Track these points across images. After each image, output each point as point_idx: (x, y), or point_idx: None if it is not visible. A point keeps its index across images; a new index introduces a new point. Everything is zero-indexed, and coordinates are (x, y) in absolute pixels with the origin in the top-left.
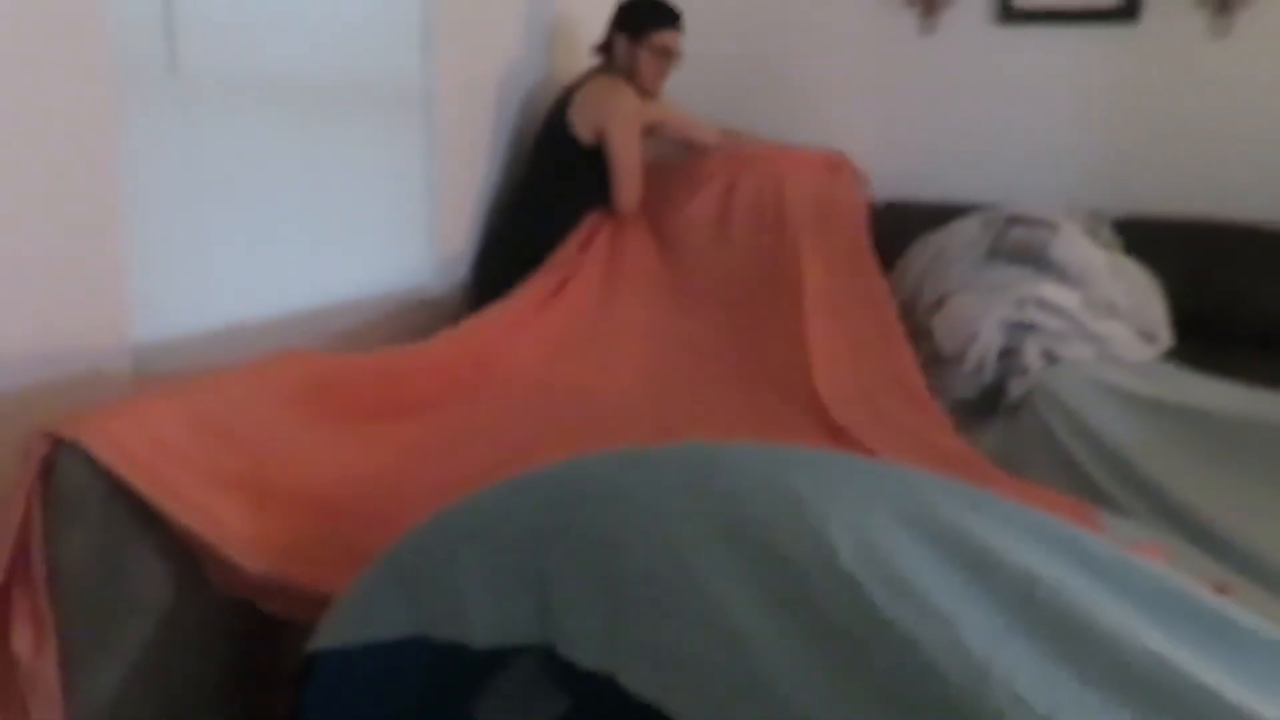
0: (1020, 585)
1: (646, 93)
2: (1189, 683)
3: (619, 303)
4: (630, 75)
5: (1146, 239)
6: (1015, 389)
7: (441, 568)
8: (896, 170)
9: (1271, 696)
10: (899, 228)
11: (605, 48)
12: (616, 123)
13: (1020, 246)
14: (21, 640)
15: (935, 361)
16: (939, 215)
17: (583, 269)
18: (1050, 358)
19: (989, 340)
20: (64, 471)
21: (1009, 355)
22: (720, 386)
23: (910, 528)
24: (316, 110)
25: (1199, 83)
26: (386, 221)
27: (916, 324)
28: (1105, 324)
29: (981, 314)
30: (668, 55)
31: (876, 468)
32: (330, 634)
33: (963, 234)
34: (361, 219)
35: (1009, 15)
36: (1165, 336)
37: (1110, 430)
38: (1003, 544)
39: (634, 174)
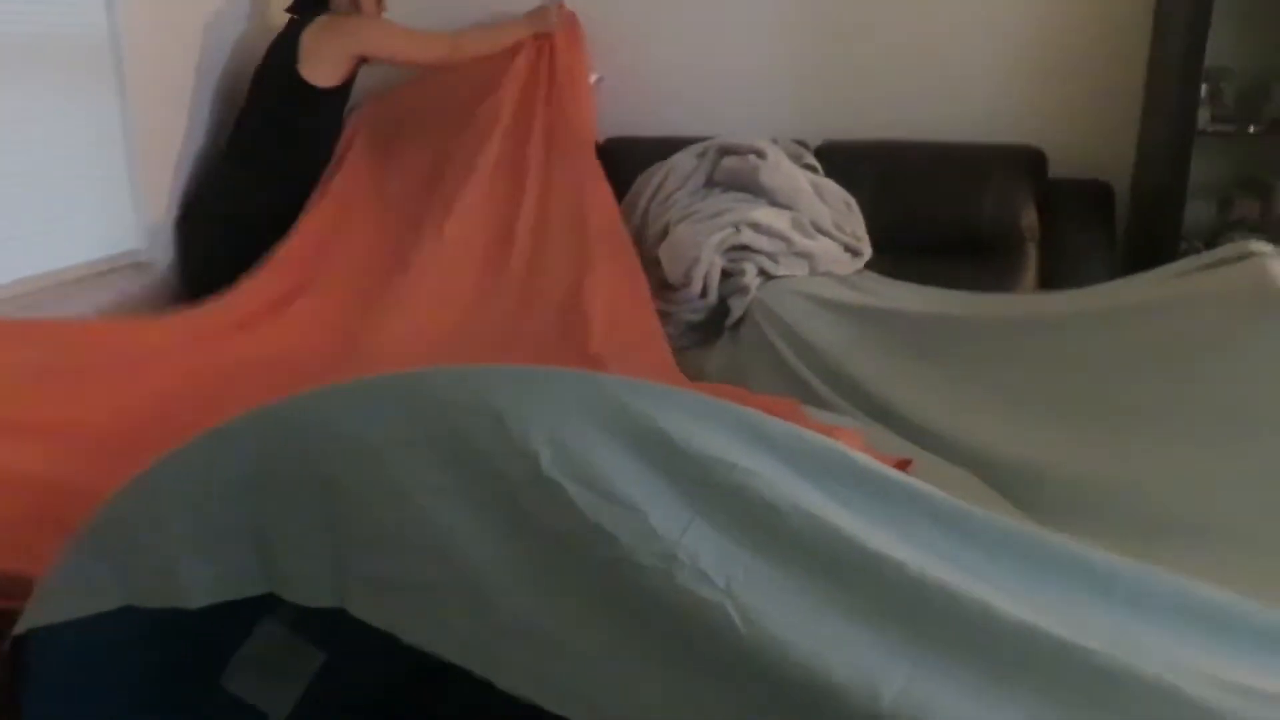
0: (702, 469)
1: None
2: (857, 546)
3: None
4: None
5: (843, 162)
6: (737, 307)
7: (146, 532)
8: (619, 108)
9: (928, 553)
10: (623, 163)
11: None
12: (370, 31)
13: (734, 174)
14: None
15: (664, 288)
16: (660, 149)
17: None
18: (766, 276)
19: (709, 263)
20: None
21: (730, 277)
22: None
23: (604, 427)
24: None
25: (884, 21)
26: (86, 186)
27: (645, 253)
28: (813, 241)
29: (701, 240)
30: None
31: (576, 376)
32: (35, 615)
33: (681, 166)
34: (57, 185)
35: None
36: (866, 249)
37: (820, 337)
38: (688, 433)
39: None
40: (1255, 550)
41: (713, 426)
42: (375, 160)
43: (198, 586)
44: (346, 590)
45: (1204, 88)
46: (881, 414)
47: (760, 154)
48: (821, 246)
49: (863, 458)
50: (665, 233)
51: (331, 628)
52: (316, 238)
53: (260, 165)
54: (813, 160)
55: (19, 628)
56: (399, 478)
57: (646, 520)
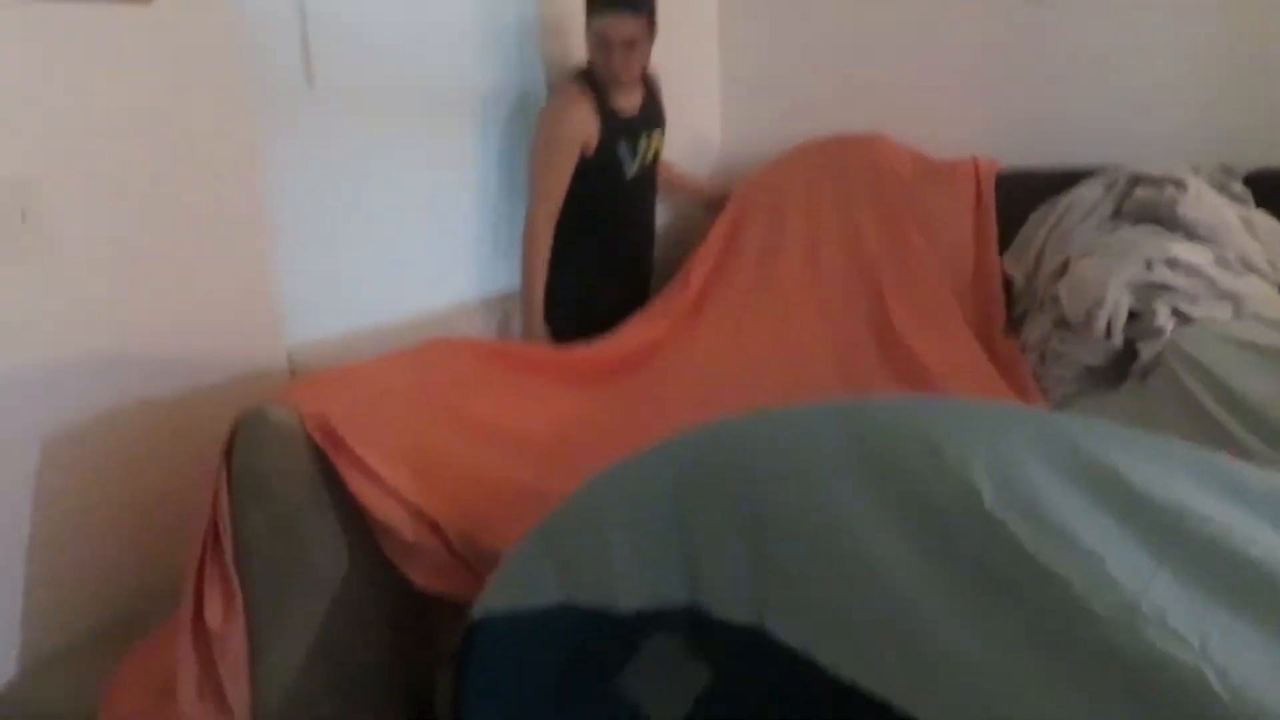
0: (1168, 518)
1: (611, 82)
2: None
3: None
4: (592, 71)
5: (1278, 192)
6: (1147, 351)
7: (588, 534)
8: (1014, 139)
9: None
10: (1017, 197)
11: None
12: (538, 140)
13: (1146, 206)
14: (213, 611)
15: (1060, 327)
16: (1059, 181)
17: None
18: (1183, 318)
19: (1116, 303)
20: (245, 452)
21: (1139, 318)
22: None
23: (1053, 467)
24: (440, 119)
25: None
26: (502, 225)
27: (1041, 292)
28: (1241, 280)
29: (1107, 277)
30: (609, 44)
31: (1015, 411)
32: (486, 602)
33: (1084, 198)
34: (477, 223)
35: None
36: None
37: (1248, 385)
38: (1148, 478)
39: (541, 196)
40: None
41: (1177, 472)
42: (757, 222)
43: (630, 589)
44: (766, 608)
45: None
46: None
47: (1179, 184)
48: (1250, 286)
49: None
50: (1064, 269)
51: (718, 649)
52: (702, 282)
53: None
54: (1241, 189)
55: (475, 611)
56: (828, 502)
57: (1103, 567)
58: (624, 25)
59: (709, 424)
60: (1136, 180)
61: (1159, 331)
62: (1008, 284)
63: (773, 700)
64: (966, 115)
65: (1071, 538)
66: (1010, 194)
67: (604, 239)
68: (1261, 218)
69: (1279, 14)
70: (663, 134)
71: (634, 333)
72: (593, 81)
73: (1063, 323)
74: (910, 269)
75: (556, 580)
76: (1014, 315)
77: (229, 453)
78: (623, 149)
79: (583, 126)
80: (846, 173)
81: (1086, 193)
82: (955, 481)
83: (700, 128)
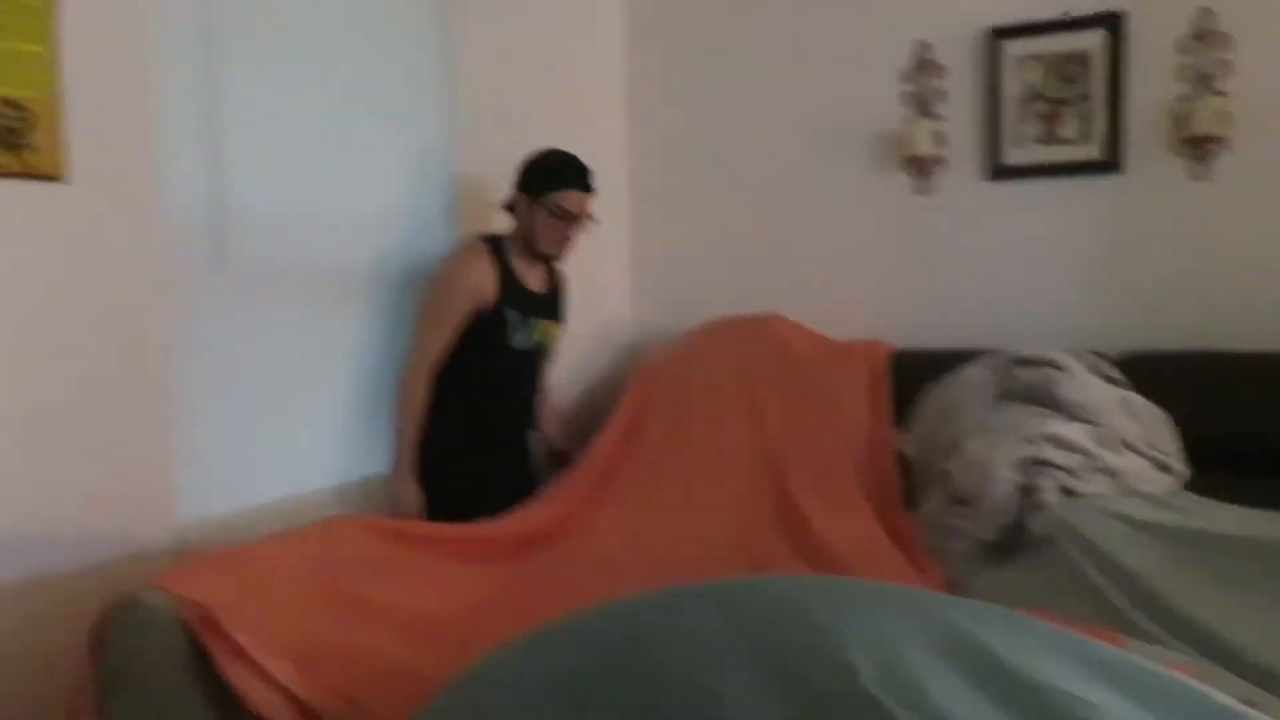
0: (1044, 701)
1: (542, 256)
2: None
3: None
4: (528, 238)
5: (1148, 375)
6: (1035, 526)
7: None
8: (905, 322)
9: None
10: (909, 376)
11: (510, 206)
12: (429, 287)
13: (1029, 387)
14: None
15: (956, 503)
16: (947, 361)
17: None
18: (1068, 494)
19: (1005, 479)
20: (116, 640)
21: (1027, 493)
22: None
23: (933, 647)
24: (351, 297)
25: (1183, 226)
26: None
27: (934, 469)
28: (1120, 458)
29: (995, 454)
30: (568, 217)
31: (898, 590)
32: None
33: (972, 377)
34: (386, 398)
35: (999, 173)
36: (1180, 467)
37: (1131, 559)
38: (1026, 662)
39: (423, 342)
40: None
41: (1052, 654)
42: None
43: None
44: None
45: None
46: (1211, 649)
47: (1058, 365)
48: (1130, 463)
49: (1221, 697)
50: (955, 446)
51: None
52: (606, 463)
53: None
54: (1114, 372)
55: None
56: (717, 690)
57: None
58: (586, 200)
59: (603, 609)
60: (1019, 362)
61: (1046, 506)
62: (904, 461)
63: None
64: (860, 298)
65: (946, 717)
66: (901, 374)
67: (485, 405)
68: (1136, 399)
69: (1145, 216)
70: (559, 329)
71: (538, 511)
72: (499, 248)
73: (956, 498)
74: (811, 447)
75: None
76: (910, 492)
77: (100, 641)
78: (515, 317)
79: (482, 280)
80: (749, 352)
81: (973, 373)
82: (834, 662)
83: (613, 308)
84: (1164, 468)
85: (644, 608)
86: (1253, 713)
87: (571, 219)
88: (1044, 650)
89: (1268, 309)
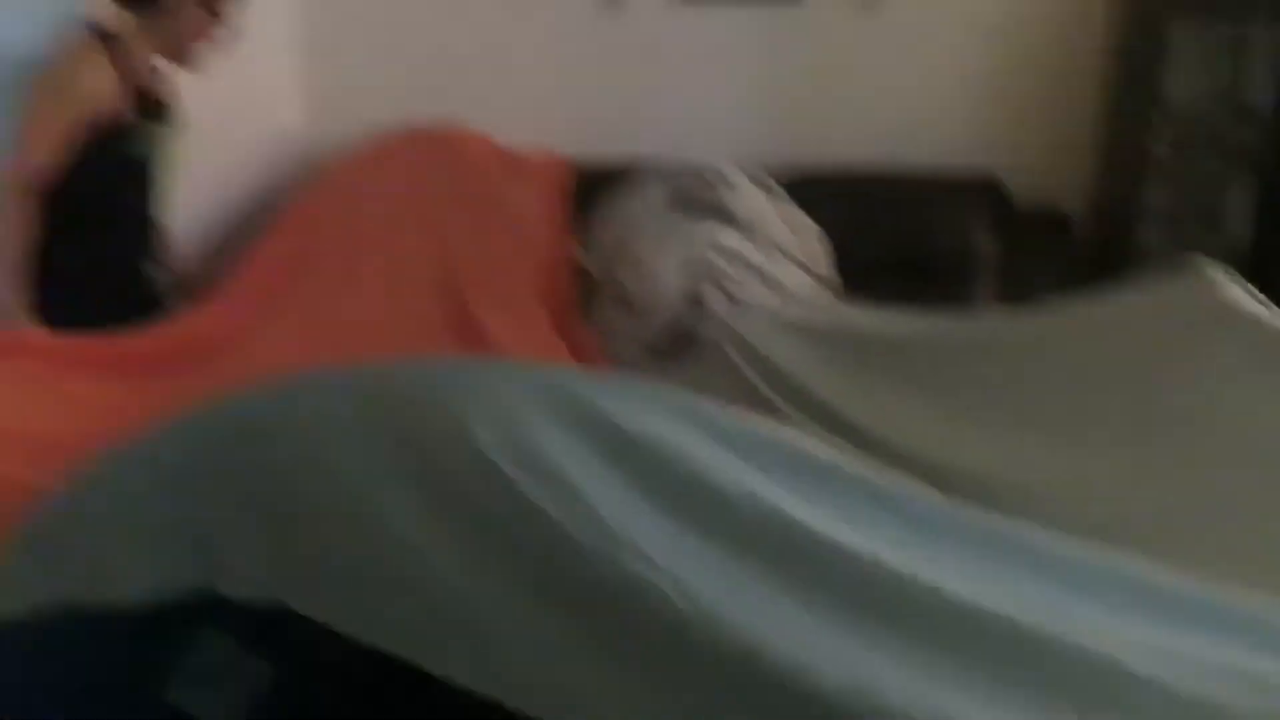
0: (653, 457)
1: (178, 58)
2: (807, 533)
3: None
4: (165, 35)
5: (805, 189)
6: (699, 331)
7: (80, 529)
8: (589, 136)
9: (877, 538)
10: (590, 187)
11: None
12: (34, 93)
13: (697, 198)
14: None
15: (624, 308)
16: (626, 175)
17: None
18: (732, 300)
19: (672, 286)
20: None
21: (696, 303)
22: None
23: (552, 415)
24: None
25: (850, 55)
26: None
27: (606, 273)
28: (780, 268)
29: (661, 259)
30: (220, 14)
31: (531, 369)
32: None
33: (647, 191)
34: None
35: None
36: (834, 279)
37: (787, 360)
38: (640, 424)
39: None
40: (1207, 547)
41: (666, 417)
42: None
43: (131, 584)
44: (286, 584)
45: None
46: (847, 434)
47: (726, 179)
48: (789, 273)
49: (809, 442)
50: (629, 255)
51: (282, 644)
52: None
53: None
54: (776, 187)
55: None
56: (332, 459)
57: (589, 503)
58: None
59: (224, 403)
60: (690, 176)
61: (709, 313)
62: (585, 275)
63: (340, 694)
64: (545, 106)
65: (562, 477)
66: (581, 186)
67: (100, 230)
68: (795, 213)
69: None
70: (181, 140)
71: (194, 322)
72: (114, 45)
73: (625, 303)
74: (490, 262)
75: (45, 580)
76: (590, 305)
77: None
78: (136, 126)
79: (96, 84)
80: (429, 167)
81: (647, 187)
82: (455, 432)
83: (283, 116)
84: (818, 277)
85: (265, 398)
86: (839, 455)
87: (222, 17)
88: (663, 415)
89: (921, 130)
